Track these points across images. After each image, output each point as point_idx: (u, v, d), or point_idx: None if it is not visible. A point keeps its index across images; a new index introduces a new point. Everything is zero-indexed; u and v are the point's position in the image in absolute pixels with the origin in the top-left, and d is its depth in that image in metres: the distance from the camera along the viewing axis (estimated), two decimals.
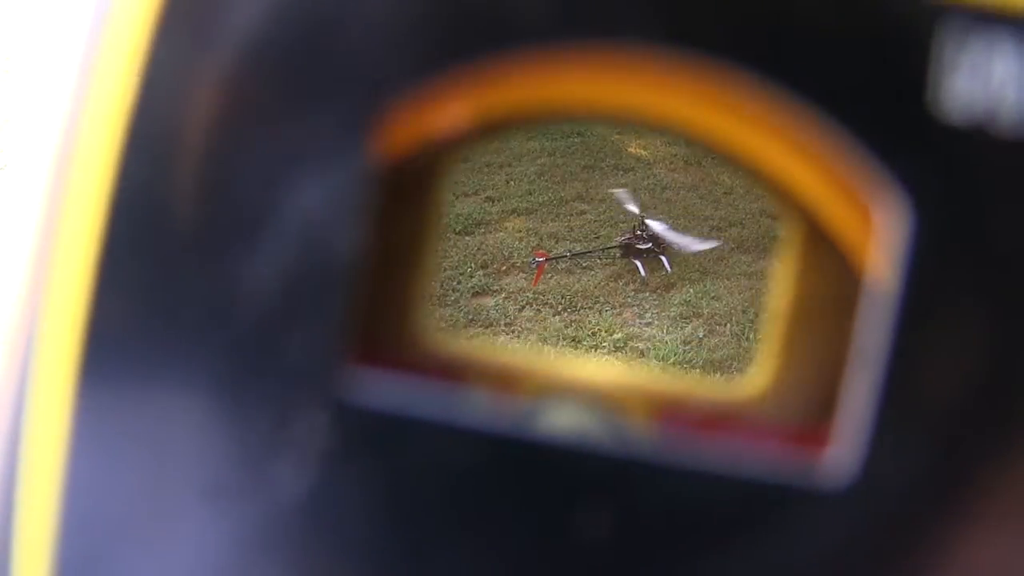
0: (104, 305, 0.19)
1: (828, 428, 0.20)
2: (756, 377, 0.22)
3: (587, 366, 0.22)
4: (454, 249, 2.71)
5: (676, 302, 2.61)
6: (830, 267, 0.20)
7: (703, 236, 2.84)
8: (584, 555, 0.18)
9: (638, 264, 2.69)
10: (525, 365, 0.21)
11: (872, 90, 0.17)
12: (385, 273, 0.20)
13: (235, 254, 0.18)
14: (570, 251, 2.77)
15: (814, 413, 0.21)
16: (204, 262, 0.19)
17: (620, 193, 2.77)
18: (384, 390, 0.18)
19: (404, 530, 0.18)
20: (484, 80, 0.18)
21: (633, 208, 2.77)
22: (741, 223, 2.90)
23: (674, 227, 2.81)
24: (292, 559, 0.18)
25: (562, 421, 0.19)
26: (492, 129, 0.20)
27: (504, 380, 0.21)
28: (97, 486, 0.19)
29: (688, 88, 0.18)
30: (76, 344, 0.19)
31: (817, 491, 0.18)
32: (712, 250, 2.79)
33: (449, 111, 0.19)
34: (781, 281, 0.22)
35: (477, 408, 0.18)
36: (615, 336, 2.49)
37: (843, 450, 0.18)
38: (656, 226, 2.73)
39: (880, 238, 0.18)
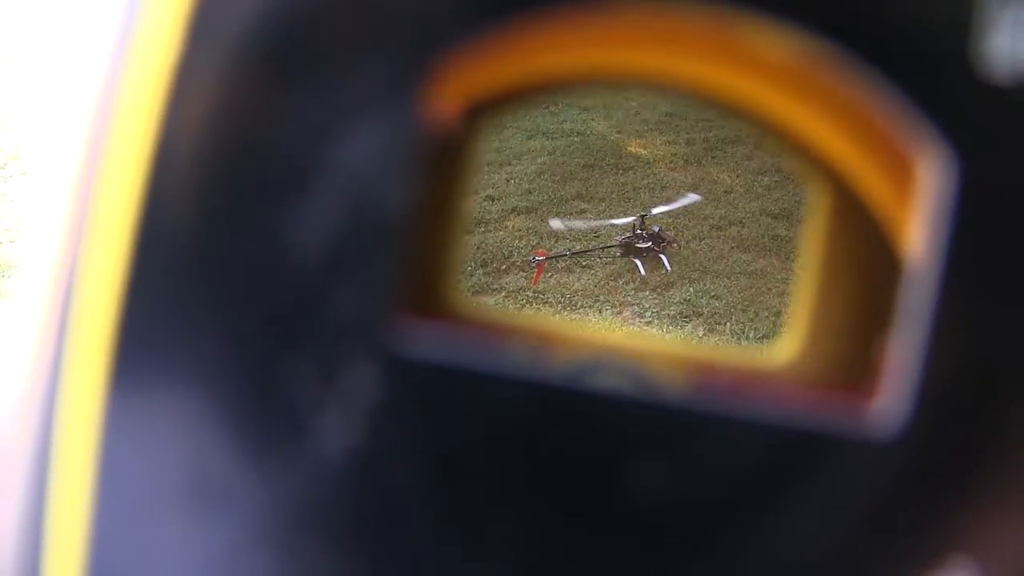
0: (144, 268, 0.19)
1: (862, 388, 0.20)
2: (788, 342, 0.22)
3: (623, 334, 0.22)
4: None
5: (676, 301, 2.61)
6: (859, 228, 0.20)
7: (703, 235, 2.84)
8: (633, 504, 0.18)
9: (638, 263, 2.70)
10: (564, 331, 0.22)
11: (914, 48, 0.17)
12: (428, 230, 0.20)
13: (284, 210, 0.18)
14: (570, 250, 2.77)
15: (846, 375, 0.21)
16: (251, 219, 0.18)
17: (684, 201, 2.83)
18: (432, 343, 0.18)
19: (454, 482, 0.18)
20: (531, 38, 0.18)
21: (664, 208, 2.80)
22: (741, 222, 2.90)
23: (674, 225, 2.81)
24: (343, 517, 0.18)
25: (602, 382, 0.19)
26: (537, 90, 0.20)
27: (543, 344, 0.21)
28: (134, 465, 0.19)
29: (717, 45, 0.19)
30: (114, 310, 0.19)
31: (863, 441, 0.18)
32: (712, 249, 2.79)
33: (497, 68, 0.19)
34: (810, 245, 0.22)
35: (524, 363, 0.18)
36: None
37: (890, 401, 0.18)
38: (659, 210, 2.76)
39: (921, 196, 0.18)
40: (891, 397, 0.18)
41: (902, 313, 0.18)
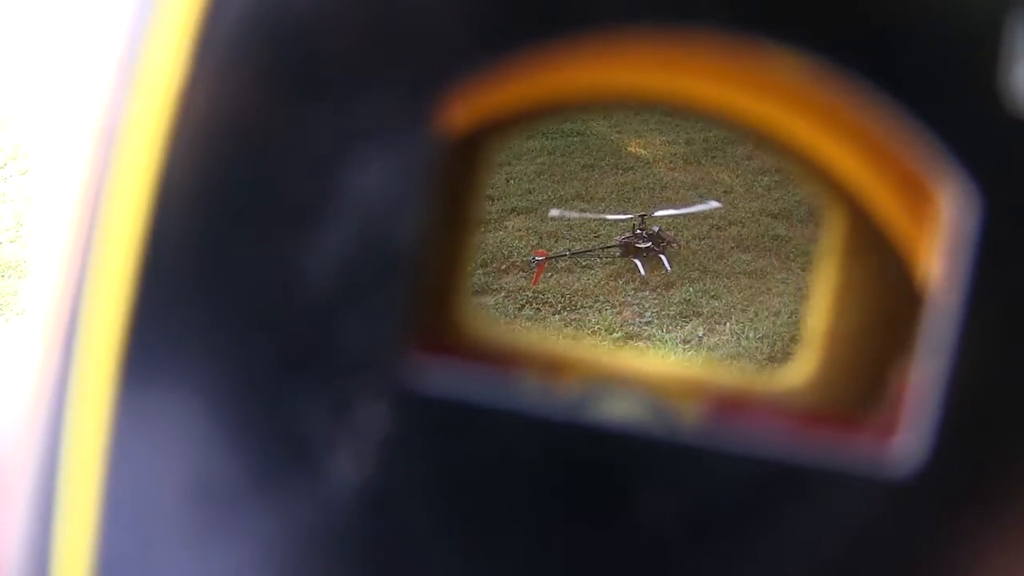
0: (150, 294, 0.19)
1: (875, 417, 0.20)
2: (800, 367, 0.22)
3: (635, 357, 0.22)
4: None
5: (676, 301, 2.61)
6: (876, 255, 0.20)
7: (702, 234, 2.85)
8: (641, 539, 0.18)
9: (638, 263, 2.70)
10: (575, 355, 0.22)
11: (939, 79, 0.17)
12: (439, 258, 0.20)
13: (292, 239, 0.18)
14: (570, 250, 2.77)
15: (859, 403, 0.21)
16: (259, 248, 0.18)
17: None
18: (442, 377, 0.18)
19: (464, 517, 0.18)
20: (546, 62, 0.18)
21: (674, 211, 2.81)
22: (741, 222, 2.90)
23: (673, 225, 2.82)
24: (351, 550, 0.18)
25: (614, 410, 0.19)
26: (548, 112, 0.20)
27: (555, 369, 0.21)
28: (141, 484, 0.19)
29: (739, 73, 0.19)
30: (120, 333, 0.19)
31: (880, 479, 0.18)
32: (712, 249, 2.80)
33: (510, 92, 0.19)
34: (824, 271, 0.22)
35: (534, 395, 0.18)
36: (615, 335, 2.49)
37: (909, 439, 0.18)
38: (663, 212, 2.77)
39: (944, 228, 0.18)
40: (909, 432, 0.18)
41: (921, 344, 0.18)
